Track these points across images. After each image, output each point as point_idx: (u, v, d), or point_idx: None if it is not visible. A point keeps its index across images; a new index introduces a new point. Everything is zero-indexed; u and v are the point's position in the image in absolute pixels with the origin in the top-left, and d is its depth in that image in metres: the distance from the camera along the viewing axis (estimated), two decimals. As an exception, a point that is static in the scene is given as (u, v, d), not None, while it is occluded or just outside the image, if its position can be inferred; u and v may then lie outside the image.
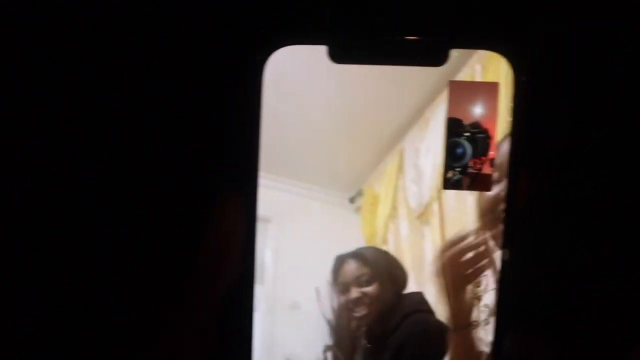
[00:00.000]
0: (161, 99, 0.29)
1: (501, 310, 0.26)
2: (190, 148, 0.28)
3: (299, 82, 0.26)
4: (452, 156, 0.26)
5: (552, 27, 0.28)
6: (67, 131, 0.29)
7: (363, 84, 0.26)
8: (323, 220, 0.27)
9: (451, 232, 0.27)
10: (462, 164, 0.26)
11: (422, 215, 0.27)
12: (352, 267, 0.27)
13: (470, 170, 0.26)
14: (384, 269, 0.27)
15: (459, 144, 0.26)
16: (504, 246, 0.26)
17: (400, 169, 0.27)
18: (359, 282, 0.27)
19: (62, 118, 0.29)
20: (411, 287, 0.27)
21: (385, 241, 0.28)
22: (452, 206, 0.27)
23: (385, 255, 0.27)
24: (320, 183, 0.27)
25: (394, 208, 0.28)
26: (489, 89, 0.26)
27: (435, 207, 0.27)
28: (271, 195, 0.27)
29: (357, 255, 0.27)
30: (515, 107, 0.25)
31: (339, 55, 0.26)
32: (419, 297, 0.27)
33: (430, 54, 0.26)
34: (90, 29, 0.29)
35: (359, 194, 0.28)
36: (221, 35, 0.28)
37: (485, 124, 0.26)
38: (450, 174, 0.26)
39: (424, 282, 0.27)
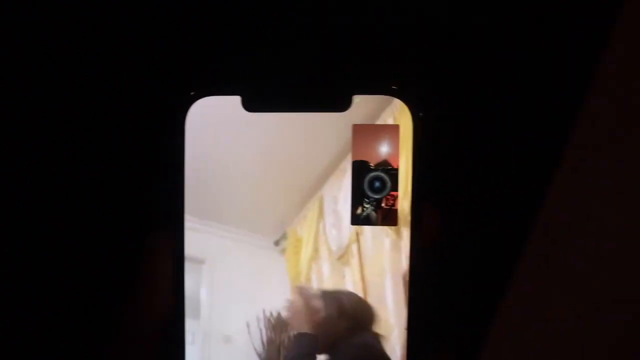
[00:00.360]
0: (91, 147, 0.32)
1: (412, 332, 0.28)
2: (120, 192, 0.32)
3: (222, 131, 0.29)
4: (372, 189, 0.28)
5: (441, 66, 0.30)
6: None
7: (281, 133, 0.29)
8: (251, 261, 0.30)
9: (370, 272, 0.29)
10: (380, 197, 0.28)
11: (342, 257, 0.29)
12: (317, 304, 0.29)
13: (383, 205, 0.28)
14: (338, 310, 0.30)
15: (378, 178, 0.28)
16: (410, 281, 0.28)
17: (321, 214, 0.29)
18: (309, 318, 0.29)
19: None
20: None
21: (308, 281, 0.30)
22: (369, 247, 0.29)
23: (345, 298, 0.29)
24: (247, 227, 0.30)
25: (315, 250, 0.30)
26: (391, 131, 0.28)
27: (354, 248, 0.29)
28: (204, 239, 0.30)
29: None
30: (415, 143, 0.28)
31: (250, 105, 0.28)
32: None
33: (334, 101, 0.28)
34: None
35: (284, 237, 0.30)
36: (144, 88, 0.32)
37: (391, 163, 0.28)
38: (359, 210, 0.29)
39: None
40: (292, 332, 0.29)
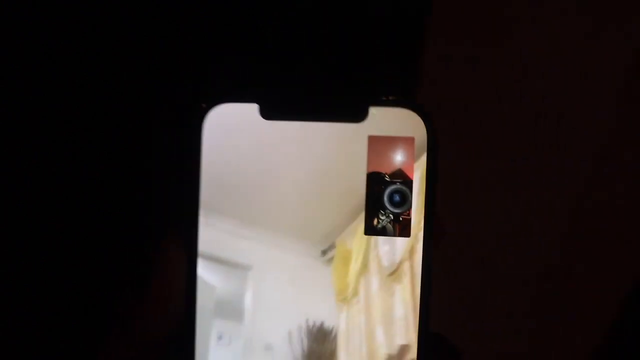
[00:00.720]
0: (111, 150, 0.32)
1: None
2: (137, 196, 0.32)
3: (266, 139, 0.28)
4: (391, 203, 0.28)
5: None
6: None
7: (330, 143, 0.27)
8: (297, 270, 0.29)
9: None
10: (399, 211, 0.28)
11: (393, 274, 0.28)
12: None
13: (402, 217, 0.28)
14: None
15: (398, 191, 0.28)
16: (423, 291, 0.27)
17: (373, 227, 0.28)
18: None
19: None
20: (379, 339, 0.28)
21: (356, 294, 0.29)
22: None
23: None
24: (295, 235, 0.29)
25: (365, 264, 0.28)
26: (406, 143, 0.27)
27: (406, 266, 0.28)
28: (252, 245, 0.29)
29: None
30: (429, 154, 0.27)
31: (268, 113, 0.27)
32: None
33: (351, 111, 0.27)
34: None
35: (332, 247, 0.29)
36: (163, 94, 0.31)
37: (407, 175, 0.28)
38: (375, 222, 0.28)
39: (393, 335, 0.28)
40: None
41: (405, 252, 0.27)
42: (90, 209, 0.33)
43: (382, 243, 0.28)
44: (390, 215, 0.28)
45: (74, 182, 0.33)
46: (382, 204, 0.28)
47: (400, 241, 0.28)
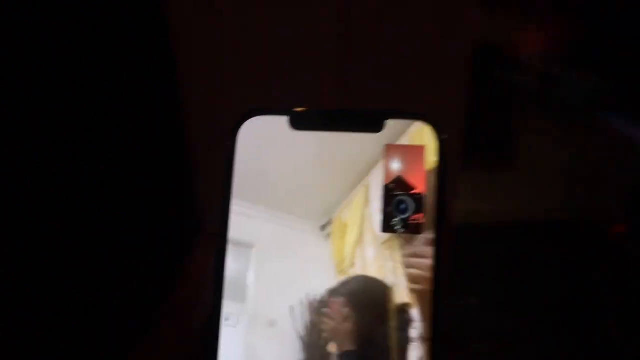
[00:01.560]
0: (150, 154, 0.36)
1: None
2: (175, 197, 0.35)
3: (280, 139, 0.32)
4: (397, 210, 0.30)
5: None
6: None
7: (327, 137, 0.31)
8: (298, 246, 0.31)
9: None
10: (405, 217, 0.30)
11: (387, 242, 0.30)
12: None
13: (410, 222, 0.30)
14: (363, 301, 0.30)
15: (403, 201, 0.31)
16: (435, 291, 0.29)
17: (367, 200, 0.31)
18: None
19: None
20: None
21: (352, 265, 0.31)
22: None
23: (366, 284, 0.30)
24: (296, 213, 0.31)
25: (360, 235, 0.31)
26: (417, 152, 0.31)
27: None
28: (254, 224, 0.31)
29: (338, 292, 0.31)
30: (439, 163, 0.30)
31: (297, 124, 0.32)
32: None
33: (370, 123, 0.31)
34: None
35: (329, 222, 0.31)
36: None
37: (416, 183, 0.31)
38: (391, 222, 0.31)
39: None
40: (335, 350, 0.30)
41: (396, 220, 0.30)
42: (120, 209, 0.36)
43: (375, 213, 0.31)
44: (404, 218, 0.31)
45: (108, 184, 0.36)
46: (395, 209, 0.31)
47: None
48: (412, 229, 0.30)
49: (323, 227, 0.31)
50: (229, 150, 0.32)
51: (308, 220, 0.31)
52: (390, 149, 0.31)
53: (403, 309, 0.29)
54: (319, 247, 0.31)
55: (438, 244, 0.30)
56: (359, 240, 0.31)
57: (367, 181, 0.31)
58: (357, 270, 0.31)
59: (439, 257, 0.30)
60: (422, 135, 0.31)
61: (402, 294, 0.30)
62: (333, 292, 0.30)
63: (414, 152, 0.31)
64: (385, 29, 0.52)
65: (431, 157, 0.31)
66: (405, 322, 0.29)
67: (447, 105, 0.55)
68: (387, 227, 0.31)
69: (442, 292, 0.29)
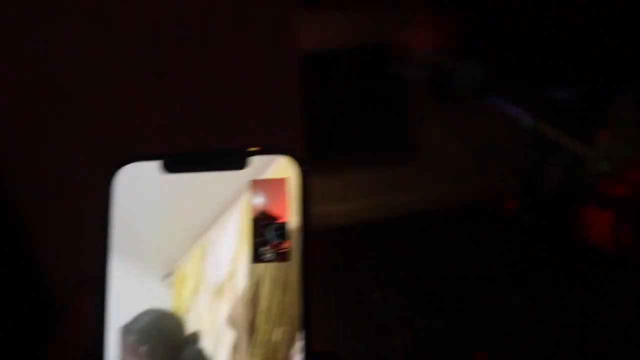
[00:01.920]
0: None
1: None
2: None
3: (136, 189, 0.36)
4: (264, 241, 0.35)
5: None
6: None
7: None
8: (141, 292, 0.36)
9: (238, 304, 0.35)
10: (273, 246, 0.35)
11: (218, 292, 0.36)
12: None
13: (278, 250, 0.35)
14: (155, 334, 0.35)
15: (270, 232, 0.35)
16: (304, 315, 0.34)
17: (203, 255, 0.36)
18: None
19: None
20: (207, 347, 0.35)
21: (187, 311, 0.36)
22: (242, 283, 0.36)
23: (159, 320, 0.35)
24: (144, 262, 0.36)
25: (197, 285, 0.36)
26: (280, 184, 0.36)
27: (230, 284, 0.36)
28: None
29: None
30: (302, 192, 0.35)
31: (170, 167, 0.36)
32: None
33: (234, 162, 0.36)
34: None
35: (171, 272, 0.36)
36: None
37: (281, 213, 0.35)
38: (260, 252, 0.35)
39: (218, 342, 0.35)
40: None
41: (226, 273, 0.36)
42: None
43: (210, 266, 0.36)
44: (272, 247, 0.35)
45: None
46: (265, 240, 0.35)
47: (224, 265, 0.36)
48: (280, 257, 0.35)
49: (166, 276, 0.36)
50: (105, 201, 0.35)
51: (152, 270, 0.36)
52: (255, 184, 0.36)
53: (193, 338, 0.35)
54: (161, 293, 0.36)
55: (306, 269, 0.34)
56: (195, 290, 0.36)
57: (206, 238, 0.36)
58: (192, 315, 0.36)
59: (307, 285, 0.34)
60: (285, 168, 0.36)
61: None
62: (126, 329, 0.35)
63: (277, 185, 0.36)
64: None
65: (294, 188, 0.35)
66: (196, 351, 0.34)
67: (288, 120, 0.61)
68: (256, 257, 0.35)
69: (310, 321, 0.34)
